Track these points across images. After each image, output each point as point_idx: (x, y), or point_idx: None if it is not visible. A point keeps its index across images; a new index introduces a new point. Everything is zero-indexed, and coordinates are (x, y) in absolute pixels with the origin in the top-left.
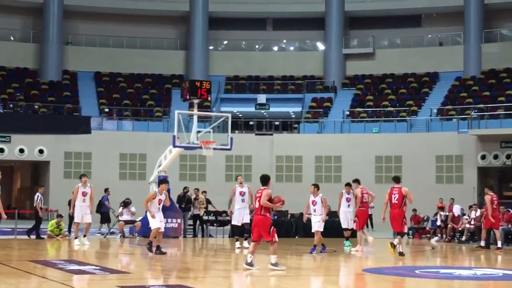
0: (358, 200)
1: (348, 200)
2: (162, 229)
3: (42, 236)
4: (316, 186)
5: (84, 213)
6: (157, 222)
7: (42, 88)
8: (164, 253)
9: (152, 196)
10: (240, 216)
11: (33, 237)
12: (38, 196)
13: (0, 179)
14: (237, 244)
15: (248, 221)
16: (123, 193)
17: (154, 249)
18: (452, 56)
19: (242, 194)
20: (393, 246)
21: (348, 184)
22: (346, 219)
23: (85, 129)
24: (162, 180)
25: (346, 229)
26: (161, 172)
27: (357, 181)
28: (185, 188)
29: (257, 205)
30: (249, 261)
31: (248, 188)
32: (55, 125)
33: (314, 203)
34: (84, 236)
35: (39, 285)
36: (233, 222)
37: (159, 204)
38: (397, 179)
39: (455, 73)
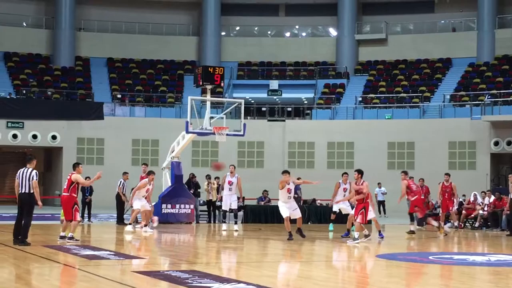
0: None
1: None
2: (298, 215)
3: (125, 222)
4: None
5: (143, 202)
6: (286, 211)
7: (55, 74)
8: (304, 236)
9: (281, 186)
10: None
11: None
12: (120, 182)
13: (35, 165)
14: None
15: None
16: (135, 179)
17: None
18: (465, 41)
19: (230, 183)
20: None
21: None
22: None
23: (98, 115)
24: (286, 171)
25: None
26: (174, 158)
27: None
28: (191, 174)
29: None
30: (357, 238)
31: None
32: (68, 111)
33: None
34: (145, 225)
35: (53, 270)
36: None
37: (289, 193)
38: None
39: (468, 59)
